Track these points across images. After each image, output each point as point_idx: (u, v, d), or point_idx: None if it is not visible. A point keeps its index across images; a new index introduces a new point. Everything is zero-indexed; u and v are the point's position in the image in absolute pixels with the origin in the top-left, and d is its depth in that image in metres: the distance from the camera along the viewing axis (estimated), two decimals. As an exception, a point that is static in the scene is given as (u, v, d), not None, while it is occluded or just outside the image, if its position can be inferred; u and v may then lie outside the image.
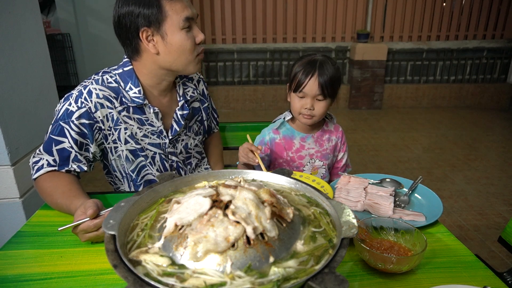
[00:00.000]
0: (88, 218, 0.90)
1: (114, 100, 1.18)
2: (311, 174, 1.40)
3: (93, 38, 4.80)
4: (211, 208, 0.64)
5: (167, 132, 1.31)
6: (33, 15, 1.78)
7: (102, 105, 1.16)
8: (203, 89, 1.48)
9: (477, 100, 5.55)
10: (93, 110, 1.15)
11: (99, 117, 1.16)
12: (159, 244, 0.64)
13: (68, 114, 1.13)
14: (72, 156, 1.14)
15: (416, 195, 1.18)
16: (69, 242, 0.95)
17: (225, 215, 0.63)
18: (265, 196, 0.69)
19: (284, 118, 1.42)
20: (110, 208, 0.76)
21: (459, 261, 0.89)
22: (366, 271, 0.85)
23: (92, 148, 1.18)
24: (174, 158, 1.35)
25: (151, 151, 1.28)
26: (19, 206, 1.63)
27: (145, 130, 1.26)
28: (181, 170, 1.38)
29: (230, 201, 0.66)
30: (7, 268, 0.86)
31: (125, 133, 1.22)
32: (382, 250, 0.86)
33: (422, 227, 0.99)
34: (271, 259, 0.60)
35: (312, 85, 1.26)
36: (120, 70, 1.22)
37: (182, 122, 1.33)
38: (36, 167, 1.14)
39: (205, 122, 1.51)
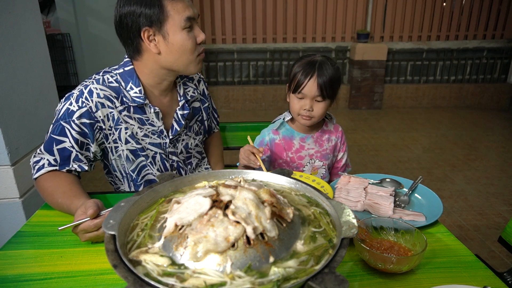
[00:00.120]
0: (89, 218, 0.90)
1: (114, 100, 1.18)
2: (311, 174, 1.40)
3: (93, 38, 4.80)
4: (211, 208, 0.64)
5: (167, 132, 1.31)
6: (33, 15, 1.78)
7: (103, 105, 1.16)
8: (203, 89, 1.48)
9: (477, 100, 5.55)
10: (94, 109, 1.15)
11: (99, 116, 1.16)
12: (159, 244, 0.64)
13: (69, 113, 1.13)
14: (73, 155, 1.14)
15: (416, 195, 1.18)
16: (69, 242, 0.95)
17: (225, 215, 0.63)
18: (265, 196, 0.69)
19: (283, 119, 1.42)
20: (110, 208, 0.76)
21: (459, 261, 0.89)
22: (366, 271, 0.85)
23: (93, 147, 1.18)
24: (174, 158, 1.35)
25: (151, 150, 1.28)
26: (19, 206, 1.63)
27: (146, 130, 1.26)
28: (181, 170, 1.38)
29: (230, 201, 0.66)
30: (7, 268, 0.86)
31: (126, 132, 1.22)
32: (382, 250, 0.86)
33: (422, 227, 0.99)
34: (271, 259, 0.60)
35: (311, 86, 1.26)
36: (121, 70, 1.22)
37: (183, 122, 1.33)
38: (37, 167, 1.14)
39: (206, 122, 1.51)
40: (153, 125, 1.27)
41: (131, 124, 1.22)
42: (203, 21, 5.13)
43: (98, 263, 0.88)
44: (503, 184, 3.08)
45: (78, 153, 1.15)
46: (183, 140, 1.38)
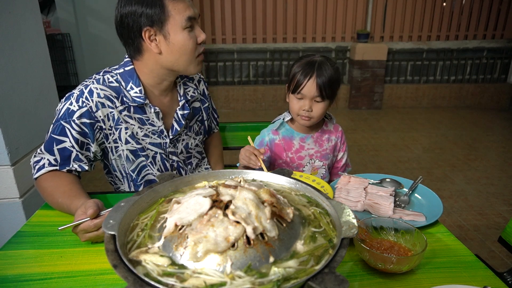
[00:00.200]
0: (89, 218, 0.90)
1: (115, 100, 1.18)
2: (311, 174, 1.40)
3: (93, 38, 4.80)
4: (211, 208, 0.64)
5: (167, 132, 1.31)
6: (33, 15, 1.78)
7: (103, 105, 1.16)
8: (203, 89, 1.48)
9: (477, 100, 5.55)
10: (94, 109, 1.15)
11: (100, 116, 1.16)
12: (159, 244, 0.64)
13: (69, 113, 1.13)
14: (73, 155, 1.14)
15: (416, 195, 1.18)
16: (69, 242, 0.95)
17: (225, 215, 0.63)
18: (265, 196, 0.69)
19: (283, 119, 1.42)
20: (110, 208, 0.76)
21: (459, 261, 0.89)
22: (366, 271, 0.85)
23: (93, 147, 1.18)
24: (174, 158, 1.35)
25: (152, 150, 1.28)
26: (19, 206, 1.63)
27: (146, 130, 1.26)
28: (181, 170, 1.39)
29: (230, 201, 0.66)
30: (7, 268, 0.86)
31: (126, 132, 1.22)
32: (382, 250, 0.86)
33: (422, 227, 0.99)
34: (271, 259, 0.60)
35: (310, 86, 1.25)
36: (121, 70, 1.22)
37: (183, 122, 1.33)
38: (37, 167, 1.14)
39: (206, 122, 1.51)
40: (153, 125, 1.27)
41: (131, 124, 1.22)
42: (203, 21, 5.13)
43: (98, 263, 0.88)
44: (503, 184, 3.08)
45: (78, 153, 1.15)
46: (183, 140, 1.38)
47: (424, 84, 5.53)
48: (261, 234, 0.62)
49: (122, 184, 1.32)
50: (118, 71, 1.22)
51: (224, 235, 0.60)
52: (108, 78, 1.20)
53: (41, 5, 3.38)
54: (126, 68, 1.22)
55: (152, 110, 1.24)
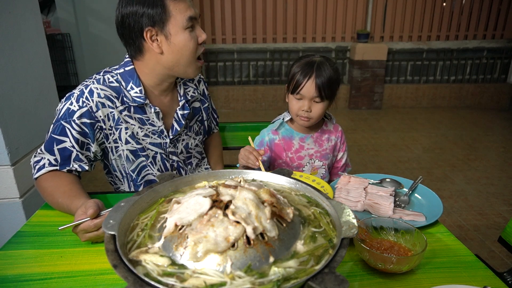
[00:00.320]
0: (89, 218, 0.90)
1: (115, 100, 1.18)
2: (311, 174, 1.40)
3: (93, 38, 4.80)
4: (211, 208, 0.64)
5: (168, 132, 1.31)
6: (33, 15, 1.78)
7: (103, 105, 1.16)
8: (203, 89, 1.48)
9: (477, 100, 5.55)
10: (94, 109, 1.15)
11: (100, 116, 1.16)
12: (159, 244, 0.64)
13: (70, 113, 1.13)
14: (74, 155, 1.14)
15: (416, 195, 1.18)
16: (69, 242, 0.95)
17: (225, 215, 0.63)
18: (265, 196, 0.69)
19: (283, 119, 1.42)
20: (110, 208, 0.76)
21: (459, 261, 0.89)
22: (366, 271, 0.85)
23: (93, 147, 1.18)
24: (174, 158, 1.35)
25: (152, 150, 1.28)
26: (19, 206, 1.63)
27: (146, 130, 1.26)
28: (181, 170, 1.39)
29: (230, 201, 0.66)
30: (7, 268, 0.86)
31: (126, 132, 1.22)
32: (382, 250, 0.86)
33: (422, 227, 0.99)
34: (271, 259, 0.60)
35: (309, 87, 1.25)
36: (122, 70, 1.22)
37: (183, 122, 1.33)
38: (37, 167, 1.14)
39: (206, 122, 1.51)
40: (154, 125, 1.27)
41: (131, 124, 1.22)
42: (203, 21, 5.14)
43: (98, 263, 0.88)
44: (503, 184, 3.08)
45: (78, 153, 1.15)
46: (183, 140, 1.38)
47: (424, 84, 5.53)
48: (261, 234, 0.62)
49: (122, 184, 1.32)
50: (118, 71, 1.22)
51: (224, 235, 0.60)
52: (108, 78, 1.20)
53: (41, 5, 3.38)
54: (127, 68, 1.22)
55: (152, 110, 1.25)
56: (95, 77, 1.20)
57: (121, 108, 1.20)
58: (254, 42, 5.33)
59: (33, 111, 1.75)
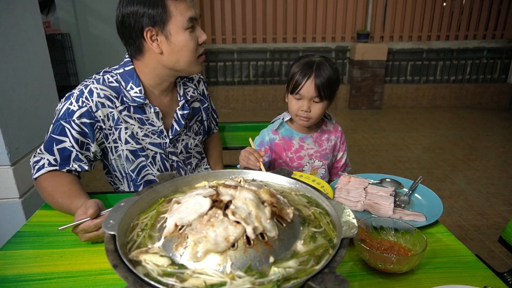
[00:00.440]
0: (89, 218, 0.90)
1: (115, 100, 1.18)
2: (310, 174, 1.40)
3: (93, 38, 4.80)
4: (211, 208, 0.64)
5: (167, 132, 1.31)
6: (33, 15, 1.78)
7: (103, 105, 1.16)
8: (203, 89, 1.48)
9: (477, 100, 5.55)
10: (94, 109, 1.15)
11: (100, 116, 1.16)
12: (159, 244, 0.64)
13: (69, 113, 1.13)
14: (73, 155, 1.14)
15: (416, 195, 1.18)
16: (69, 242, 0.95)
17: (225, 215, 0.63)
18: (265, 196, 0.69)
19: (282, 119, 1.42)
20: (110, 208, 0.76)
21: (459, 261, 0.89)
22: (366, 271, 0.85)
23: (93, 147, 1.18)
24: (174, 158, 1.35)
25: (151, 150, 1.28)
26: (19, 206, 1.63)
27: (146, 130, 1.26)
28: (181, 170, 1.39)
29: (230, 201, 0.66)
30: (7, 268, 0.86)
31: (126, 132, 1.22)
32: (382, 250, 0.86)
33: (422, 227, 0.99)
34: (271, 259, 0.60)
35: (308, 87, 1.25)
36: (121, 70, 1.22)
37: (183, 122, 1.33)
38: (37, 167, 1.14)
39: (205, 122, 1.51)
40: (153, 125, 1.27)
41: (131, 124, 1.22)
42: (203, 21, 5.14)
43: (98, 263, 0.88)
44: (503, 184, 3.08)
45: (78, 153, 1.15)
46: (183, 140, 1.38)
47: (424, 84, 5.53)
48: (261, 234, 0.62)
49: (122, 184, 1.32)
50: (118, 71, 1.22)
51: (224, 235, 0.60)
52: (108, 78, 1.20)
53: (41, 5, 3.38)
54: (126, 68, 1.22)
55: (152, 110, 1.25)
56: (95, 77, 1.20)
57: (120, 108, 1.20)
58: (254, 42, 5.33)
59: (33, 111, 1.75)
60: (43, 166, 1.13)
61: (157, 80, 1.24)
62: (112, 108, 1.18)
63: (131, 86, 1.21)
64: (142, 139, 1.26)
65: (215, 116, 1.62)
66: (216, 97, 5.33)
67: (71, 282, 0.81)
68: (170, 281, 0.56)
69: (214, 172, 0.90)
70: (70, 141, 1.13)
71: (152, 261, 0.60)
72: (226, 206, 0.65)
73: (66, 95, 1.17)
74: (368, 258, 0.84)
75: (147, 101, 1.22)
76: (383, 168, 3.39)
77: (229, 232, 0.60)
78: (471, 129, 4.55)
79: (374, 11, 5.24)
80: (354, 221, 0.66)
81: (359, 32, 5.19)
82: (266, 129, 1.45)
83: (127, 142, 1.23)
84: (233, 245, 0.60)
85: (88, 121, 1.14)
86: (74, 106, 1.13)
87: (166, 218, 0.67)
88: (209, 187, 0.72)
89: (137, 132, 1.24)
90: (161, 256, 0.61)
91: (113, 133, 1.21)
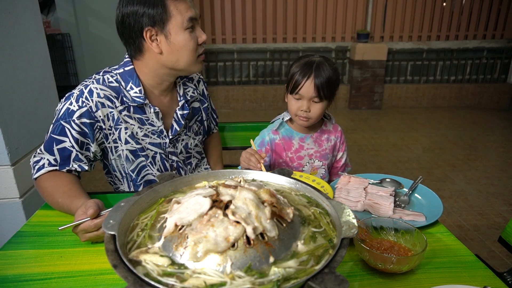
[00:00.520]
0: (89, 218, 0.90)
1: (115, 100, 1.18)
2: (310, 174, 1.40)
3: (93, 38, 4.80)
4: (211, 208, 0.64)
5: (167, 132, 1.31)
6: (33, 15, 1.78)
7: (103, 105, 1.16)
8: (203, 89, 1.48)
9: (477, 100, 5.56)
10: (94, 109, 1.15)
11: (99, 116, 1.16)
12: (159, 244, 0.64)
13: (69, 113, 1.13)
14: (73, 155, 1.14)
15: (416, 195, 1.18)
16: (69, 242, 0.95)
17: (225, 215, 0.63)
18: (265, 196, 0.69)
19: (282, 119, 1.42)
20: (110, 208, 0.76)
21: (459, 261, 0.89)
22: (366, 271, 0.85)
23: (93, 147, 1.18)
24: (174, 158, 1.35)
25: (151, 150, 1.29)
26: (19, 206, 1.63)
27: (146, 130, 1.26)
28: (181, 170, 1.39)
29: (230, 201, 0.66)
30: (7, 268, 0.86)
31: (126, 132, 1.22)
32: (382, 250, 0.86)
33: (422, 227, 0.99)
34: (271, 259, 0.60)
35: (308, 87, 1.25)
36: (121, 70, 1.22)
37: (182, 122, 1.33)
38: (37, 167, 1.14)
39: (205, 122, 1.51)
40: (153, 125, 1.27)
41: (131, 124, 1.22)
42: (203, 21, 5.14)
43: (98, 263, 0.88)
44: (503, 184, 3.08)
45: (78, 153, 1.15)
46: (182, 140, 1.38)
47: (424, 84, 5.53)
48: (261, 234, 0.62)
49: (122, 184, 1.32)
50: (118, 71, 1.22)
51: (224, 235, 0.60)
52: (108, 78, 1.20)
53: (41, 5, 3.38)
54: (126, 68, 1.22)
55: (152, 110, 1.25)
56: (95, 77, 1.20)
57: (120, 108, 1.20)
58: (254, 42, 5.33)
59: (33, 111, 1.75)
60: (43, 166, 1.13)
61: (157, 80, 1.24)
62: (112, 108, 1.18)
63: (131, 86, 1.21)
64: (142, 139, 1.26)
65: (215, 116, 1.62)
66: (216, 97, 5.33)
67: (71, 282, 0.81)
68: (170, 281, 0.56)
69: (214, 172, 0.90)
70: (70, 141, 1.13)
71: (152, 261, 0.60)
72: (226, 206, 0.65)
73: (66, 95, 1.17)
74: (368, 258, 0.84)
75: (147, 101, 1.22)
76: (383, 168, 3.39)
77: (229, 232, 0.60)
78: (471, 129, 4.55)
79: (374, 11, 5.24)
80: (354, 221, 0.66)
81: (359, 32, 5.19)
82: (266, 129, 1.45)
83: (127, 142, 1.23)
84: (233, 245, 0.60)
85: (88, 121, 1.14)
86: (74, 106, 1.13)
87: (166, 218, 0.67)
88: (209, 187, 0.72)
89: (137, 132, 1.24)
90: (161, 256, 0.61)
91: (113, 133, 1.21)
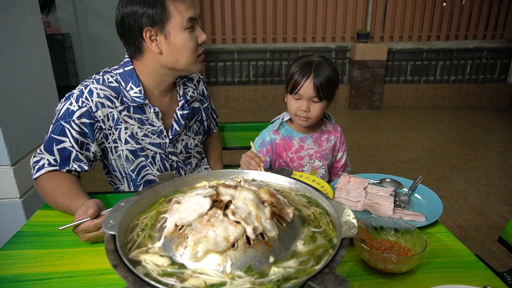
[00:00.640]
0: (89, 218, 0.90)
1: (114, 100, 1.18)
2: (310, 174, 1.40)
3: (93, 38, 4.80)
4: (211, 208, 0.64)
5: (167, 132, 1.31)
6: (33, 15, 1.78)
7: (103, 105, 1.16)
8: (203, 89, 1.48)
9: (477, 100, 5.56)
10: (94, 109, 1.15)
11: (99, 116, 1.16)
12: (159, 244, 0.64)
13: (69, 113, 1.13)
14: (73, 155, 1.14)
15: (416, 195, 1.18)
16: (69, 242, 0.95)
17: (225, 215, 0.63)
18: (265, 196, 0.69)
19: (282, 119, 1.42)
20: (110, 208, 0.76)
21: (459, 261, 0.89)
22: (366, 271, 0.85)
23: (93, 147, 1.18)
24: (174, 158, 1.35)
25: (151, 150, 1.29)
26: (19, 206, 1.63)
27: (146, 130, 1.26)
28: (181, 170, 1.39)
29: (230, 201, 0.66)
30: (7, 268, 0.86)
31: (126, 132, 1.22)
32: (382, 250, 0.86)
33: (422, 227, 0.99)
34: (271, 259, 0.60)
35: (307, 87, 1.25)
36: (121, 70, 1.22)
37: (182, 122, 1.33)
38: (36, 167, 1.14)
39: (205, 122, 1.51)
40: (153, 125, 1.27)
41: (131, 124, 1.22)
42: (203, 21, 5.14)
43: (98, 263, 0.88)
44: (503, 184, 3.08)
45: (78, 153, 1.15)
46: (182, 140, 1.38)
47: (424, 84, 5.53)
48: (261, 234, 0.62)
49: (122, 184, 1.32)
50: (117, 71, 1.22)
51: (224, 235, 0.60)
52: (108, 78, 1.20)
53: (41, 5, 3.37)
54: (126, 68, 1.22)
55: (152, 110, 1.25)
56: (95, 77, 1.20)
57: (120, 108, 1.20)
58: (254, 42, 5.34)
59: (33, 111, 1.75)
60: (43, 166, 1.13)
61: (156, 80, 1.24)
62: (112, 108, 1.18)
63: (130, 86, 1.21)
64: (142, 139, 1.26)
65: (215, 116, 1.62)
66: (216, 97, 5.33)
67: (71, 282, 0.81)
68: (170, 281, 0.56)
69: (214, 172, 0.89)
70: (70, 141, 1.13)
71: (152, 261, 0.60)
72: (226, 206, 0.65)
73: (66, 95, 1.17)
74: (368, 258, 0.84)
75: (146, 101, 1.22)
76: (383, 168, 3.39)
77: (229, 232, 0.60)
78: (471, 129, 4.55)
79: (374, 11, 5.24)
80: (354, 221, 0.66)
81: (359, 32, 5.19)
82: (266, 129, 1.45)
83: (127, 142, 1.23)
84: (233, 245, 0.60)
85: (88, 121, 1.14)
86: (74, 106, 1.13)
87: (166, 218, 0.67)
88: (209, 187, 0.72)
89: (136, 132, 1.24)
90: (161, 256, 0.61)
91: (113, 133, 1.21)
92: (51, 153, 1.13)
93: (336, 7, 5.23)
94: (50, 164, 1.13)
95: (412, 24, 5.34)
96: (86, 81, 1.19)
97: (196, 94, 1.42)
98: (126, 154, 1.24)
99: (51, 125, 1.15)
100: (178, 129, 1.32)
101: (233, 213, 0.62)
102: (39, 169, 1.13)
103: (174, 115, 1.33)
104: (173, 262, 0.60)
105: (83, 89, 1.16)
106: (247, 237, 0.61)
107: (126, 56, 1.25)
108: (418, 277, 0.83)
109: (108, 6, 4.58)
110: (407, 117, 5.06)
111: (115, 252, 0.59)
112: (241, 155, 1.25)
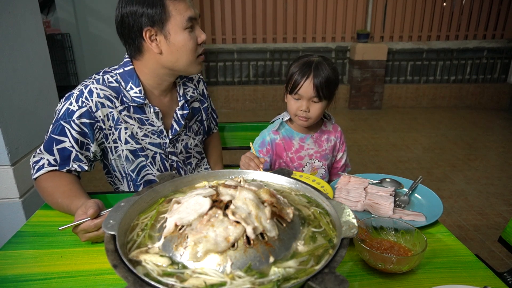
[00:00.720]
0: (89, 218, 0.90)
1: (114, 100, 1.18)
2: (310, 174, 1.40)
3: (93, 38, 4.80)
4: (211, 208, 0.64)
5: (167, 132, 1.31)
6: (33, 15, 1.78)
7: (103, 105, 1.16)
8: (203, 89, 1.48)
9: (477, 100, 5.56)
10: (93, 109, 1.15)
11: (99, 116, 1.16)
12: (159, 244, 0.64)
13: (69, 113, 1.13)
14: (73, 155, 1.14)
15: (416, 195, 1.18)
16: (69, 242, 0.95)
17: (225, 215, 0.63)
18: (265, 196, 0.69)
19: (282, 119, 1.42)
20: (110, 208, 0.76)
21: (459, 261, 0.89)
22: (366, 271, 0.85)
23: (93, 147, 1.18)
24: (174, 158, 1.35)
25: (151, 150, 1.29)
26: (19, 206, 1.63)
27: (146, 130, 1.26)
28: (181, 170, 1.39)
29: (230, 201, 0.66)
30: (7, 268, 0.86)
31: (126, 132, 1.22)
32: (382, 250, 0.86)
33: (422, 227, 0.99)
34: (271, 259, 0.60)
35: (307, 87, 1.25)
36: (121, 70, 1.22)
37: (182, 122, 1.33)
38: (36, 167, 1.14)
39: (205, 122, 1.51)
40: (153, 125, 1.27)
41: (131, 124, 1.22)
42: (203, 21, 5.14)
43: (98, 263, 0.88)
44: (503, 184, 3.08)
45: (78, 153, 1.15)
46: (182, 140, 1.38)
47: (424, 84, 5.53)
48: (261, 234, 0.62)
49: (122, 184, 1.32)
50: (117, 71, 1.22)
51: (224, 235, 0.60)
52: (108, 78, 1.20)
53: (41, 5, 3.38)
54: (126, 68, 1.22)
55: (152, 110, 1.25)
56: (95, 77, 1.20)
57: (120, 108, 1.20)
58: (254, 42, 5.34)
59: (33, 111, 1.75)
60: (42, 166, 1.13)
61: (156, 80, 1.24)
62: (112, 108, 1.18)
63: (130, 86, 1.21)
64: (142, 139, 1.26)
65: (215, 116, 1.62)
66: (216, 97, 5.33)
67: (71, 282, 0.81)
68: (170, 281, 0.56)
69: (214, 172, 0.89)
70: (69, 141, 1.13)
71: (152, 261, 0.60)
72: (226, 206, 0.65)
73: (66, 95, 1.17)
74: (368, 258, 0.84)
75: (146, 101, 1.22)
76: (383, 168, 3.39)
77: (229, 232, 0.60)
78: (471, 129, 4.55)
79: (374, 11, 5.24)
80: (354, 221, 0.66)
81: (359, 32, 5.19)
82: (266, 129, 1.45)
83: (127, 142, 1.23)
84: (233, 245, 0.60)
85: (88, 121, 1.14)
86: (74, 106, 1.13)
87: (166, 218, 0.67)
88: (209, 187, 0.72)
89: (136, 132, 1.24)
90: (161, 256, 0.61)
91: (113, 133, 1.21)
92: (51, 153, 1.13)
93: (336, 7, 5.23)
94: (50, 164, 1.13)
95: (412, 24, 5.34)
96: (86, 81, 1.19)
97: (196, 94, 1.42)
98: (126, 154, 1.24)
99: (51, 125, 1.15)
100: (178, 129, 1.32)
101: (233, 213, 0.62)
102: (39, 169, 1.13)
103: (174, 115, 1.33)
104: (173, 262, 0.60)
105: (83, 89, 1.16)
106: (247, 237, 0.61)
107: (126, 56, 1.25)
108: (418, 277, 0.83)
109: (108, 6, 4.58)
110: (407, 117, 5.06)
111: (115, 252, 0.59)
112: (241, 155, 1.25)
